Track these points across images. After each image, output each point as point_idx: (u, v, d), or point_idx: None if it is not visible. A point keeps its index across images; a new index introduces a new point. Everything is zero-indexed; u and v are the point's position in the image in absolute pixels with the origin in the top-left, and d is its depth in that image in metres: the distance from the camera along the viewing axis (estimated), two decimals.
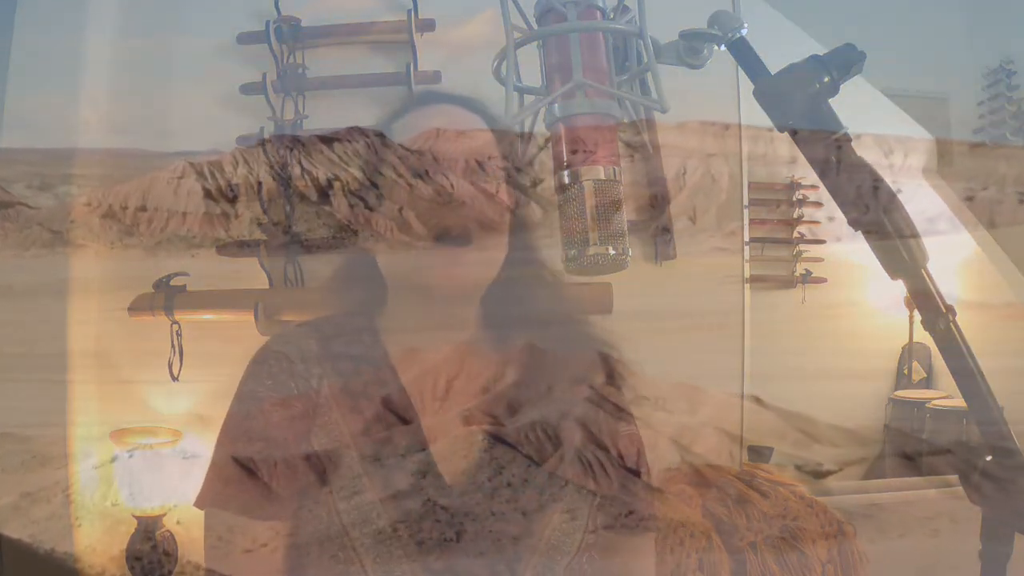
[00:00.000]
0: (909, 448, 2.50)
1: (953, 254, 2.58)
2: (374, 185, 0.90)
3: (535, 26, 0.71)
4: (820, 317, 2.62)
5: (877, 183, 0.66)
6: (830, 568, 2.02)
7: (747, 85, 0.69)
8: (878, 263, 0.66)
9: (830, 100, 0.67)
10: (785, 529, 2.06)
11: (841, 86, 0.67)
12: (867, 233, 0.66)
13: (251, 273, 2.16)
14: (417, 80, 2.27)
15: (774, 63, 0.69)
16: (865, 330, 2.65)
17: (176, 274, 2.10)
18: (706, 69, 0.71)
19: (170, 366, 2.06)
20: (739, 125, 2.59)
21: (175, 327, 2.07)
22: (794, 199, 2.65)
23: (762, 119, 0.68)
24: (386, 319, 0.96)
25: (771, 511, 2.09)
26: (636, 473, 1.02)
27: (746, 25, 0.70)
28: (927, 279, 0.65)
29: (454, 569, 0.85)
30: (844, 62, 0.67)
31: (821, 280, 2.65)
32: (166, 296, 2.08)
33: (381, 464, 0.88)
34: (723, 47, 0.70)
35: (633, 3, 0.70)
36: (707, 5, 0.71)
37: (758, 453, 2.51)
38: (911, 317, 2.52)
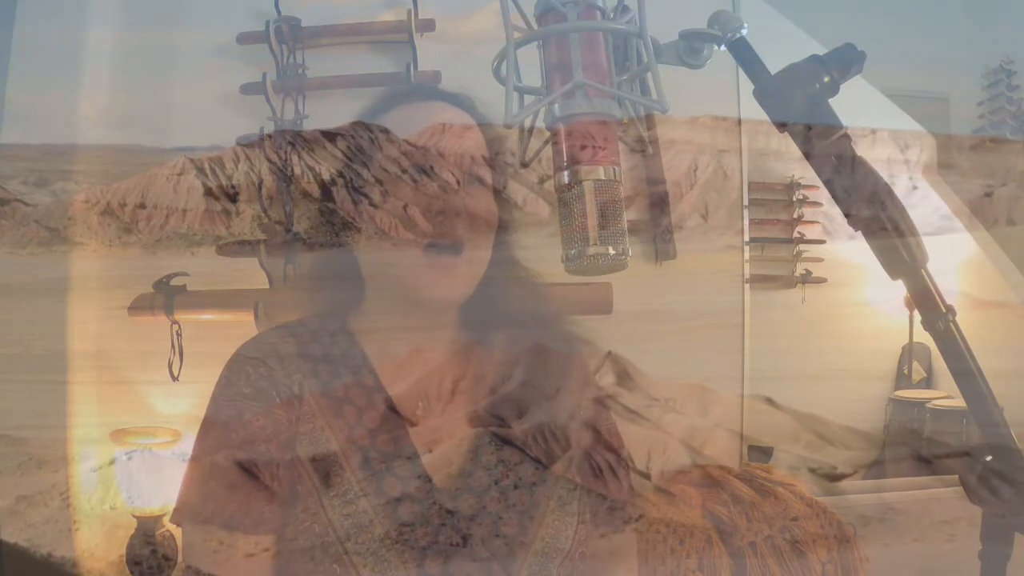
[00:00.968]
0: (924, 450, 2.47)
1: (965, 251, 2.57)
2: (378, 181, 0.88)
3: (535, 26, 0.71)
4: (820, 317, 2.62)
5: (877, 183, 0.66)
6: (830, 568, 2.02)
7: (747, 84, 0.69)
8: (878, 263, 0.66)
9: (830, 100, 0.67)
10: (785, 529, 2.06)
11: (842, 86, 0.67)
12: (867, 233, 0.66)
13: (252, 272, 2.14)
14: (417, 80, 2.26)
15: (774, 63, 0.69)
16: (865, 330, 2.65)
17: (176, 274, 2.10)
18: (716, 64, 0.71)
19: (170, 366, 2.06)
20: (739, 125, 2.58)
21: (175, 327, 2.07)
22: (794, 199, 2.65)
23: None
24: (364, 320, 0.94)
25: (771, 511, 2.09)
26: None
27: (746, 25, 0.70)
28: (927, 279, 0.65)
29: (457, 575, 0.84)
30: (844, 62, 0.67)
31: (821, 280, 2.65)
32: (166, 296, 2.08)
33: (377, 469, 0.86)
34: (723, 47, 0.70)
35: (633, 3, 0.70)
36: (707, 5, 0.70)
37: (758, 453, 2.51)
38: (911, 317, 2.52)
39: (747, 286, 2.61)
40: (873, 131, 2.63)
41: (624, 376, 2.46)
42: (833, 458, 2.53)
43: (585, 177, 0.67)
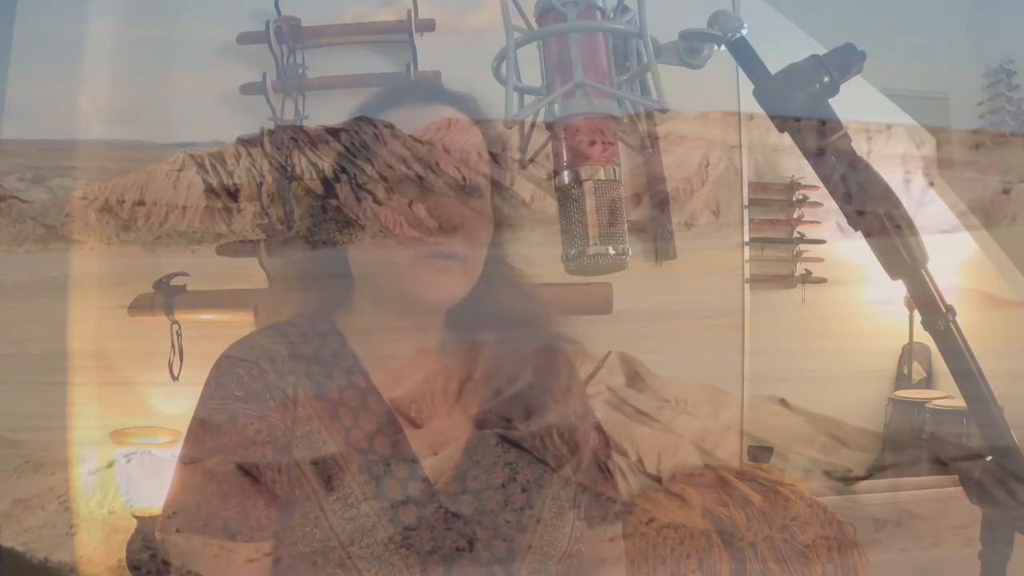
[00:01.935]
0: (940, 453, 2.45)
1: (986, 248, 2.56)
2: (382, 178, 0.86)
3: (535, 26, 0.71)
4: (820, 317, 2.61)
5: (878, 183, 0.66)
6: (830, 568, 2.02)
7: (747, 84, 0.69)
8: (878, 263, 0.66)
9: (830, 100, 0.67)
10: (785, 529, 2.06)
11: (847, 84, 0.67)
12: (867, 233, 0.66)
13: (252, 270, 2.11)
14: (417, 80, 2.26)
15: (774, 63, 0.69)
16: (865, 330, 2.65)
17: (176, 274, 2.09)
18: (727, 59, 0.70)
19: (170, 366, 2.06)
20: (739, 126, 2.58)
21: (175, 327, 2.07)
22: (794, 199, 2.65)
23: None
24: (353, 320, 0.92)
25: (771, 511, 2.09)
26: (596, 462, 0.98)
27: (746, 25, 0.70)
28: (927, 279, 0.65)
29: None
30: (844, 62, 0.67)
31: (821, 280, 2.65)
32: (166, 296, 2.08)
33: (379, 473, 0.84)
34: (723, 47, 0.70)
35: (633, 3, 0.70)
36: (707, 5, 0.70)
37: (758, 453, 2.51)
38: (911, 317, 2.52)
39: (747, 286, 2.61)
40: (888, 126, 2.60)
41: (634, 377, 2.46)
42: (848, 461, 2.51)
43: (585, 177, 0.67)
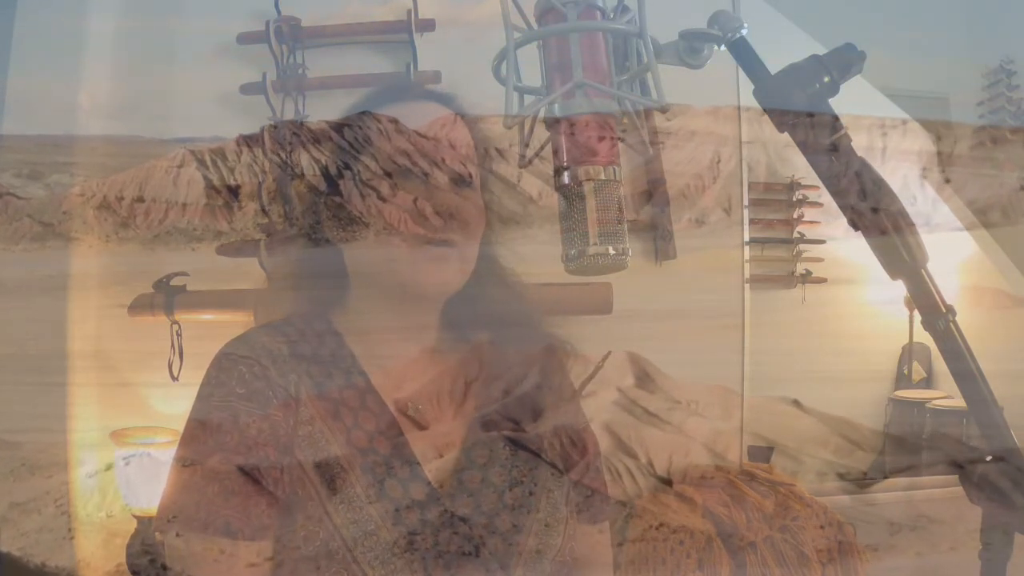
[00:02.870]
0: (944, 454, 2.42)
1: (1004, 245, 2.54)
2: (387, 174, 0.85)
3: (535, 26, 0.71)
4: (820, 317, 2.61)
5: (878, 183, 0.66)
6: (830, 568, 2.02)
7: (747, 84, 0.69)
8: (878, 263, 0.66)
9: (830, 100, 0.67)
10: (785, 529, 2.06)
11: (842, 86, 0.67)
12: (867, 233, 0.66)
13: (253, 269, 2.08)
14: (417, 80, 2.27)
15: (774, 63, 0.69)
16: (865, 330, 2.65)
17: (176, 274, 2.09)
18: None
19: (170, 366, 2.06)
20: (739, 126, 2.58)
21: (175, 327, 2.06)
22: (794, 199, 2.65)
23: None
24: (349, 319, 0.91)
25: (771, 511, 2.09)
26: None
27: (746, 25, 0.70)
28: (927, 279, 0.65)
29: None
30: (844, 62, 0.67)
31: (821, 280, 2.65)
32: (166, 296, 2.07)
33: (384, 475, 0.83)
34: (723, 47, 0.70)
35: (633, 3, 0.70)
36: (707, 5, 0.70)
37: (758, 453, 2.51)
38: (911, 317, 2.52)
39: (747, 286, 2.61)
40: (904, 121, 2.57)
41: (644, 377, 2.44)
42: (862, 463, 2.48)
43: (585, 177, 0.67)
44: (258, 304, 1.95)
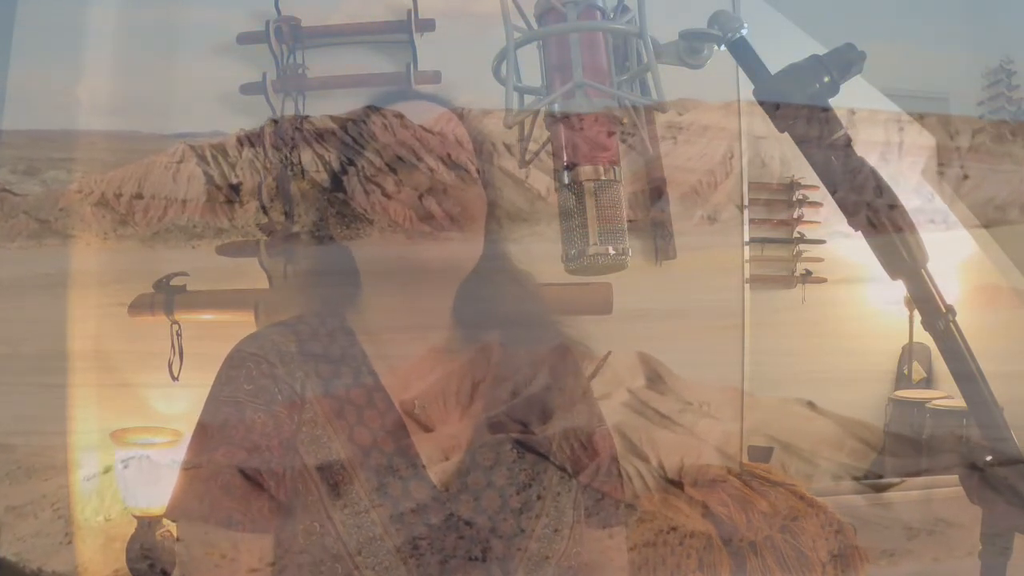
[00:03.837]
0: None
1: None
2: (392, 170, 0.83)
3: (535, 26, 0.71)
4: (820, 317, 2.61)
5: (878, 183, 0.66)
6: (830, 568, 2.02)
7: (747, 84, 0.69)
8: (878, 263, 0.66)
9: (830, 100, 0.67)
10: (785, 529, 2.06)
11: (842, 86, 0.67)
12: (867, 233, 0.66)
13: (255, 267, 2.08)
14: (417, 80, 2.27)
15: (774, 63, 0.69)
16: (865, 330, 2.65)
17: (176, 274, 2.09)
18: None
19: (170, 366, 2.06)
20: (739, 126, 2.58)
21: (175, 327, 2.06)
22: (794, 199, 2.65)
23: None
24: (361, 317, 0.90)
25: (771, 511, 2.09)
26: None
27: (746, 25, 0.70)
28: (927, 279, 0.65)
29: None
30: (844, 62, 0.67)
31: (821, 280, 2.65)
32: (166, 296, 2.07)
33: (389, 478, 0.82)
34: (723, 47, 0.70)
35: (633, 3, 0.70)
36: (707, 5, 0.70)
37: (758, 453, 2.51)
38: (911, 317, 2.52)
39: (747, 286, 2.60)
40: (921, 116, 2.54)
41: (655, 378, 2.42)
42: (880, 467, 2.43)
43: (585, 177, 0.67)
44: (259, 304, 1.96)
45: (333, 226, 0.87)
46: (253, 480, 0.80)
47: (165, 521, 2.01)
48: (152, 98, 2.09)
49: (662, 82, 0.69)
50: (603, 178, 0.67)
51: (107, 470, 2.01)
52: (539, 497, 0.86)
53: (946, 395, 2.58)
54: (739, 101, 2.35)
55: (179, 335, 2.06)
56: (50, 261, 2.06)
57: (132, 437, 2.00)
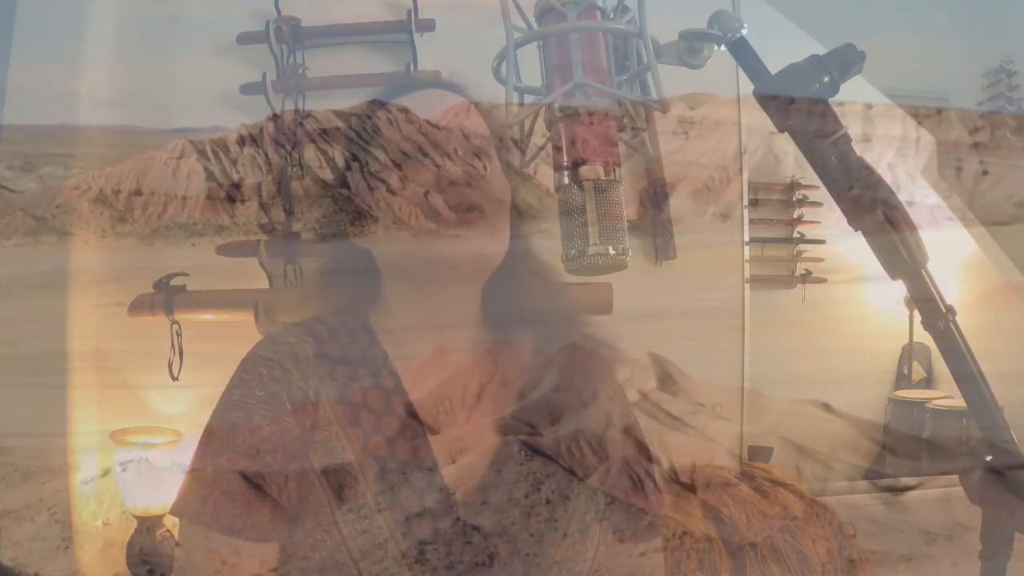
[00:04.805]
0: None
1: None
2: (396, 166, 0.82)
3: (535, 26, 0.71)
4: (820, 317, 2.61)
5: (879, 183, 0.66)
6: (830, 568, 2.02)
7: (747, 84, 0.69)
8: (878, 263, 0.66)
9: (830, 100, 0.67)
10: (785, 529, 2.06)
11: (842, 86, 0.67)
12: (867, 233, 0.66)
13: (256, 266, 2.06)
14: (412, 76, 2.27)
15: (774, 63, 0.69)
16: (865, 330, 2.65)
17: (176, 274, 2.09)
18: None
19: (170, 366, 2.06)
20: (738, 126, 2.58)
21: (175, 327, 2.06)
22: (794, 199, 2.64)
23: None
24: (384, 316, 0.88)
25: (771, 511, 2.09)
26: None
27: (746, 25, 0.70)
28: (927, 279, 0.65)
29: None
30: (844, 62, 0.67)
31: (821, 280, 2.65)
32: (166, 296, 2.07)
33: (395, 482, 0.80)
34: (723, 47, 0.70)
35: (633, 3, 0.70)
36: (707, 5, 0.70)
37: (758, 453, 2.51)
38: (911, 317, 2.51)
39: (747, 286, 2.60)
40: (939, 111, 2.50)
41: (667, 379, 2.40)
42: (894, 468, 2.40)
43: (585, 177, 0.67)
44: (260, 304, 1.95)
45: (337, 223, 0.86)
46: (257, 487, 0.79)
47: (166, 521, 2.02)
48: (151, 93, 2.05)
49: (662, 82, 0.69)
50: (603, 178, 0.67)
51: (106, 473, 1.98)
52: (548, 503, 0.84)
53: (946, 395, 2.58)
54: (739, 101, 2.35)
55: (179, 335, 2.06)
56: (47, 259, 2.02)
57: (132, 437, 2.00)
